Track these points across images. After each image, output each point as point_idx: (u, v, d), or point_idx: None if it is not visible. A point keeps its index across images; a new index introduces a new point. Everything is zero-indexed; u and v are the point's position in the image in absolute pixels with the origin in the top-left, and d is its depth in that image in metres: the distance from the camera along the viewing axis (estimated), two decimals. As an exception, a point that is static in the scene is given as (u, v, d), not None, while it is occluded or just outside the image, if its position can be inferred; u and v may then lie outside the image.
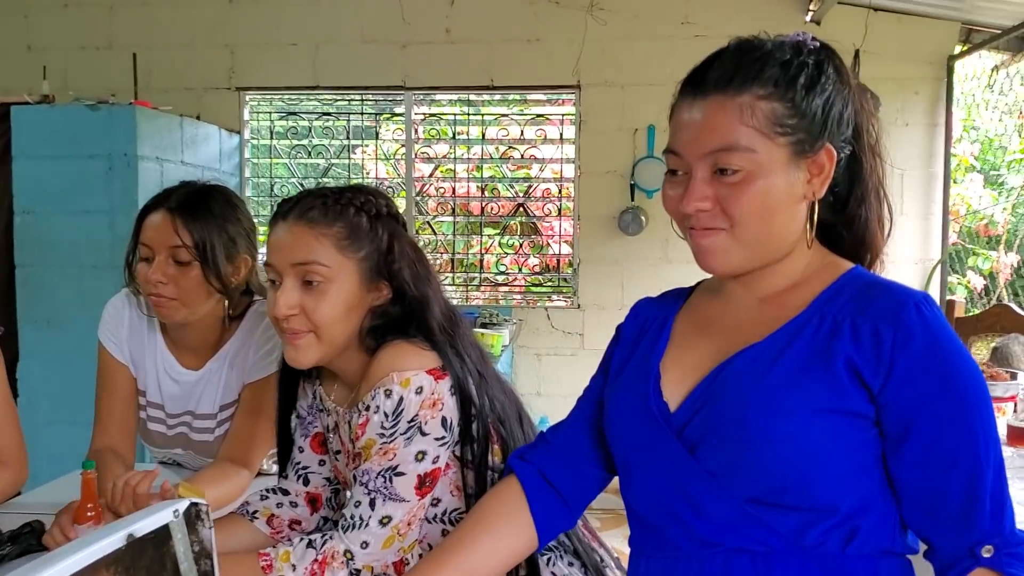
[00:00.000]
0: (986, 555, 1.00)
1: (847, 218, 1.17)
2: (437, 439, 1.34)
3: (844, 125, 1.11)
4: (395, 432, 1.32)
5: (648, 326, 1.26)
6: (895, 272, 4.38)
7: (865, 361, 1.02)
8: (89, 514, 1.48)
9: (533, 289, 5.04)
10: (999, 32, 4.29)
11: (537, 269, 5.12)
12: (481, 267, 5.08)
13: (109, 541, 0.85)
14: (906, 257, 4.55)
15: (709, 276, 1.25)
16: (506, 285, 5.06)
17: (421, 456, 1.33)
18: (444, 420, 1.35)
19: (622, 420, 1.19)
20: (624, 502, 1.21)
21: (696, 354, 1.16)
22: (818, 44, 1.13)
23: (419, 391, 1.33)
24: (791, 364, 1.05)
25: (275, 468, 1.72)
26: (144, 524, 0.89)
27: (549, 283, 5.03)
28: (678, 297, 1.29)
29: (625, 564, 1.28)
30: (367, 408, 1.35)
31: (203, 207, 1.80)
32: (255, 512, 1.55)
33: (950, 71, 4.51)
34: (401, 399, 1.32)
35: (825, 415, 1.02)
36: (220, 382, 1.89)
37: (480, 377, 1.42)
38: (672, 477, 1.10)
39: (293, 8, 4.83)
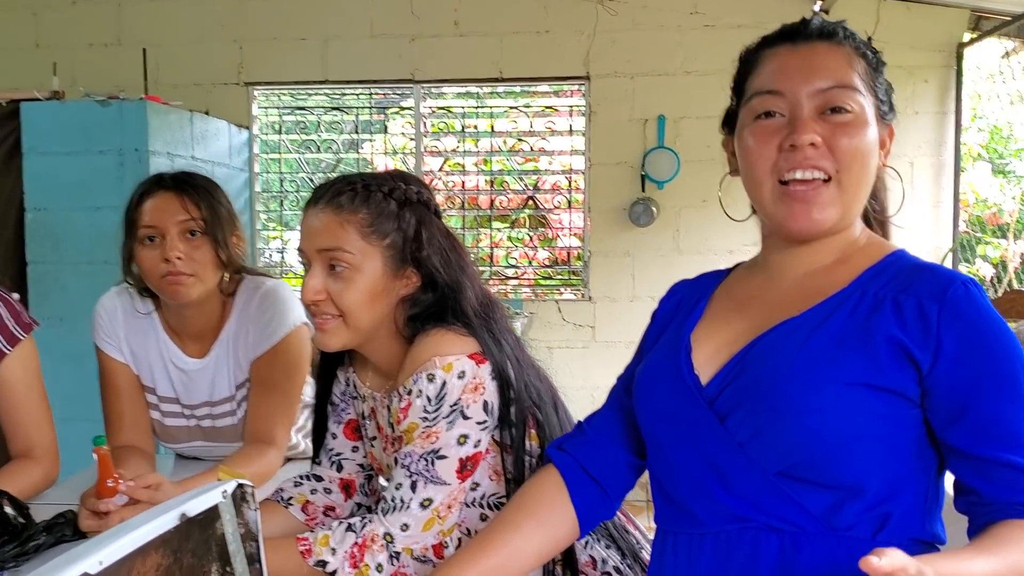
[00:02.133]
0: None
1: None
2: (479, 423, 1.35)
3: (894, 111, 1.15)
4: (438, 416, 1.33)
5: (683, 305, 1.26)
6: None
7: (911, 338, 1.01)
8: (111, 486, 1.49)
9: (543, 282, 5.04)
10: (1009, 19, 4.28)
11: (547, 262, 5.12)
12: (491, 261, 5.08)
13: (161, 521, 0.85)
14: (917, 245, 4.54)
15: (746, 260, 1.25)
16: (516, 279, 5.06)
17: (463, 440, 1.34)
18: (486, 404, 1.36)
19: (652, 391, 1.18)
20: (651, 478, 1.20)
21: (731, 329, 1.15)
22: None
23: (461, 375, 1.34)
24: (827, 337, 1.04)
25: (309, 449, 1.72)
26: (195, 504, 0.89)
27: (559, 276, 5.03)
28: (715, 277, 1.28)
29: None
30: (409, 392, 1.36)
31: (198, 184, 1.82)
32: (290, 499, 1.55)
33: (959, 59, 4.50)
34: (444, 383, 1.33)
35: (859, 389, 1.01)
36: (229, 363, 1.90)
37: (518, 362, 1.42)
38: (702, 449, 1.09)
39: (302, 3, 4.83)
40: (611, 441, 1.28)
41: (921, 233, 4.55)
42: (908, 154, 4.47)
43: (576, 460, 1.28)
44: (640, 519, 1.64)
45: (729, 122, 1.22)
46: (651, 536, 1.58)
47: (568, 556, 1.43)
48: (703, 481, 1.09)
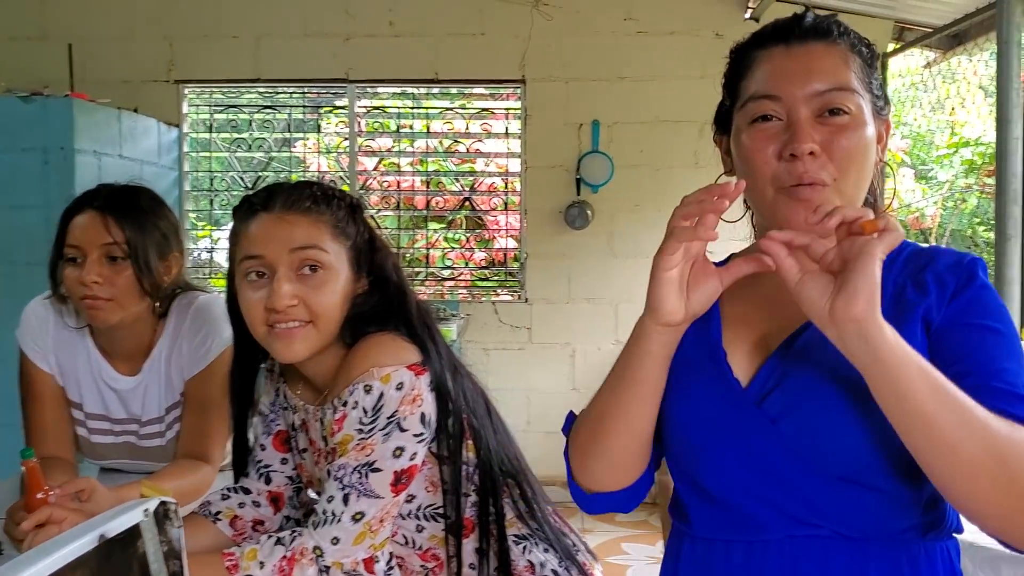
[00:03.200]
0: None
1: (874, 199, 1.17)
2: (415, 435, 1.33)
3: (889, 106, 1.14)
4: (374, 428, 1.31)
5: None
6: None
7: (935, 305, 1.03)
8: (41, 498, 1.45)
9: (479, 284, 5.04)
10: (930, 31, 4.41)
11: (483, 263, 5.12)
12: (427, 262, 5.07)
13: (80, 543, 0.83)
14: (844, 250, 4.66)
15: (739, 252, 1.21)
16: (452, 280, 5.05)
17: (399, 452, 1.32)
18: (423, 416, 1.34)
19: (694, 398, 1.11)
20: (685, 484, 1.14)
21: (756, 331, 1.12)
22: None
23: (399, 387, 1.32)
24: None
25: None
26: (115, 524, 0.87)
27: (496, 277, 5.04)
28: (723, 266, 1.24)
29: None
30: (344, 404, 1.33)
31: (132, 204, 1.76)
32: (217, 513, 1.52)
33: (884, 68, 4.62)
34: (381, 395, 1.31)
35: None
36: (160, 383, 1.85)
37: (455, 370, 1.42)
38: (757, 455, 1.05)
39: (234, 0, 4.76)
40: None
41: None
42: (835, 160, 4.58)
43: None
44: (572, 521, 1.65)
45: (720, 120, 1.20)
46: (584, 540, 1.61)
47: (504, 562, 1.43)
48: (763, 488, 1.05)
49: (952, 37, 4.41)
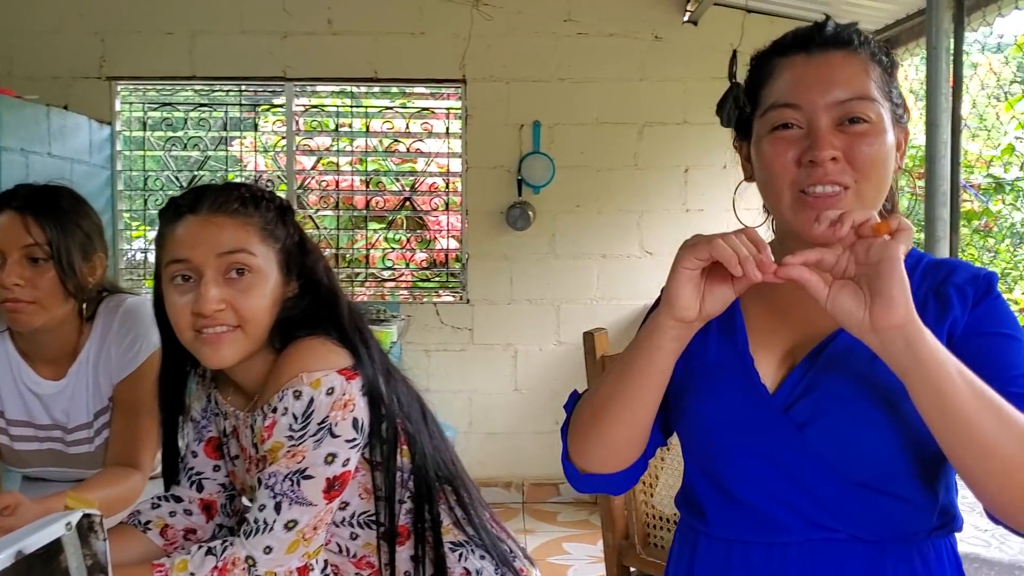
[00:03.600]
0: None
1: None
2: (348, 441, 1.31)
3: (908, 115, 1.16)
4: (304, 434, 1.29)
5: None
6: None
7: (951, 319, 1.07)
8: None
9: (420, 284, 5.01)
10: (864, 35, 4.49)
11: (424, 264, 5.09)
12: (367, 262, 5.02)
13: (-3, 560, 0.80)
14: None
15: None
16: (392, 280, 5.02)
17: (331, 459, 1.30)
18: (355, 421, 1.32)
19: (721, 402, 1.14)
20: (716, 487, 1.15)
21: (782, 339, 1.14)
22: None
23: (330, 392, 1.30)
24: None
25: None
26: (34, 540, 0.84)
27: (437, 278, 5.01)
28: None
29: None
30: (274, 410, 1.31)
31: (52, 204, 1.71)
32: (147, 522, 1.49)
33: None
34: (311, 400, 1.29)
35: None
36: (88, 388, 1.80)
37: (388, 374, 1.40)
38: (782, 460, 1.08)
39: (168, -6, 4.66)
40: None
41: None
42: (772, 162, 4.64)
43: None
44: (513, 522, 1.65)
45: (740, 127, 1.22)
46: (522, 546, 1.60)
47: (439, 570, 1.42)
48: (785, 493, 1.09)
49: (884, 42, 4.50)
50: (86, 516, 0.92)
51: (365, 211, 4.98)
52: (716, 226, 4.31)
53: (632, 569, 2.52)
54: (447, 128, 4.87)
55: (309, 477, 1.30)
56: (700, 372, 1.17)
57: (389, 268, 5.04)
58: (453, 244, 4.98)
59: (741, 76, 4.19)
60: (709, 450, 1.16)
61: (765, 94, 1.14)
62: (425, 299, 4.89)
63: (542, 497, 4.75)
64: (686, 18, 4.59)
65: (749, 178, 1.21)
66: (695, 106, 4.60)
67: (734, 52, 4.97)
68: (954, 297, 1.08)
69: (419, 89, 4.90)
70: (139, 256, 5.00)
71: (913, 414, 1.00)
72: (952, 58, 3.09)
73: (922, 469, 1.05)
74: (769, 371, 1.13)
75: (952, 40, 3.16)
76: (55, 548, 0.88)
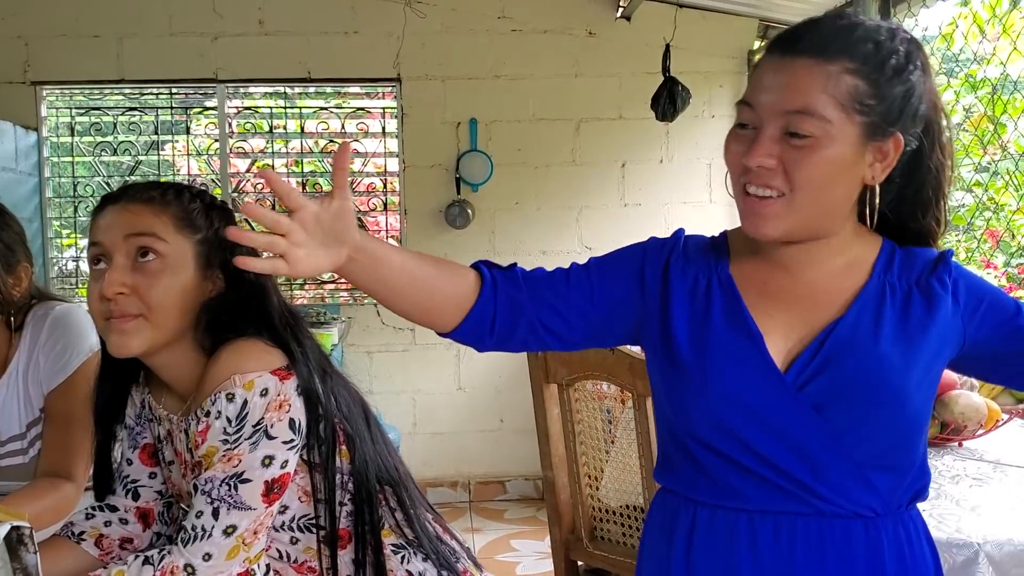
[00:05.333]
0: None
1: (901, 210, 1.21)
2: (285, 442, 1.30)
3: (918, 120, 1.15)
4: (239, 437, 1.27)
5: (698, 280, 1.22)
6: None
7: (953, 311, 1.17)
8: None
9: (360, 286, 4.96)
10: (793, 29, 4.57)
11: (363, 265, 5.04)
12: (305, 265, 4.95)
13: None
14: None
15: (734, 229, 1.26)
16: (332, 283, 4.97)
17: (268, 461, 1.28)
18: (292, 422, 1.30)
19: (734, 380, 1.16)
20: (716, 459, 1.18)
21: (782, 321, 1.18)
22: (909, 36, 1.15)
23: (264, 393, 1.28)
24: (891, 329, 1.14)
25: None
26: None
27: (376, 279, 4.96)
28: (716, 253, 1.25)
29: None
30: (207, 414, 1.28)
31: None
32: (81, 533, 1.45)
33: (751, 65, 4.77)
34: (245, 402, 1.27)
35: (925, 373, 1.15)
36: (19, 399, 1.76)
37: (324, 374, 1.38)
38: (792, 438, 1.14)
39: (93, -3, 4.55)
40: (533, 294, 1.22)
41: (722, 225, 4.78)
42: (707, 157, 4.70)
43: (497, 284, 1.20)
44: (460, 521, 1.64)
45: None
46: (467, 546, 1.60)
47: (381, 573, 1.41)
48: (793, 469, 1.14)
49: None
50: (15, 529, 0.89)
51: (302, 213, 4.91)
52: (654, 220, 4.37)
53: (580, 563, 2.54)
54: (383, 127, 4.84)
55: (247, 481, 1.28)
56: (707, 348, 1.18)
57: (329, 270, 4.98)
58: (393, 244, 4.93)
59: (674, 71, 4.27)
60: (719, 431, 1.17)
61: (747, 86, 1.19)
62: (366, 301, 4.85)
63: (489, 495, 4.76)
64: (619, 14, 4.62)
65: None
66: (630, 101, 4.63)
67: (667, 47, 5.02)
68: (937, 287, 1.17)
69: (354, 89, 4.86)
70: (71, 265, 4.88)
71: (913, 392, 1.13)
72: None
73: (914, 442, 1.16)
74: (777, 348, 1.17)
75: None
76: (-15, 562, 0.86)
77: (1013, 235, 4.82)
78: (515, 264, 1.25)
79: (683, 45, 4.43)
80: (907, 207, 1.21)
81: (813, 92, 1.08)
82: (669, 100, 4.26)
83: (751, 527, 1.17)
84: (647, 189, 4.74)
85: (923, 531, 1.22)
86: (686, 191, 4.72)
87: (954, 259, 1.21)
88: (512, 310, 1.20)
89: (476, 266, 1.22)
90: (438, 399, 4.76)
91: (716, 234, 1.29)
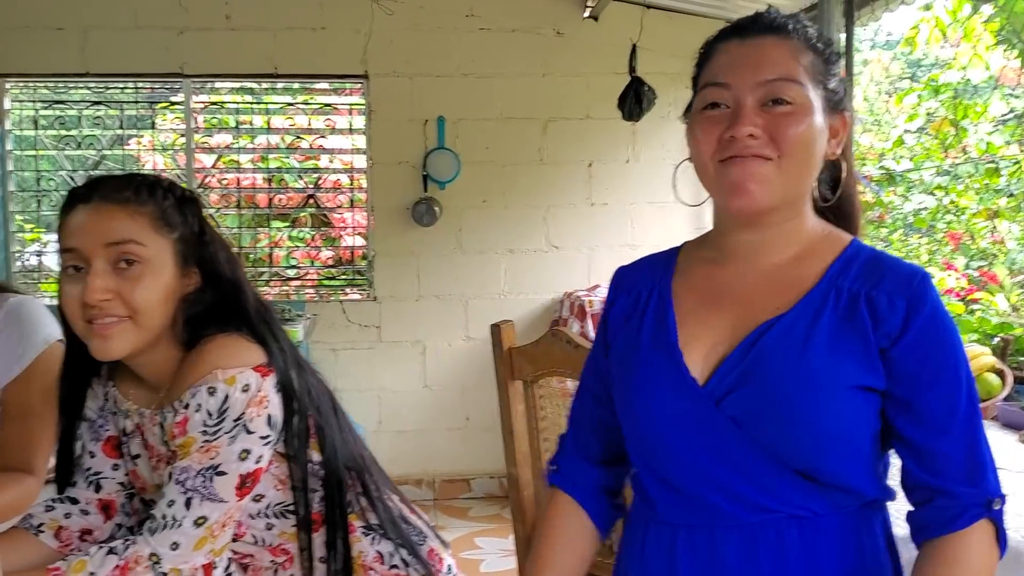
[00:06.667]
0: (996, 508, 1.09)
1: (843, 195, 1.22)
2: (262, 438, 1.32)
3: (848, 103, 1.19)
4: (219, 430, 1.29)
5: (640, 299, 1.25)
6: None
7: (887, 334, 1.09)
8: None
9: (326, 283, 4.96)
10: (758, 31, 4.62)
11: (330, 262, 5.04)
12: (270, 261, 4.95)
13: None
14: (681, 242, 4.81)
15: (691, 240, 1.28)
16: (298, 279, 4.95)
17: (245, 455, 1.30)
18: (269, 418, 1.33)
19: (652, 396, 1.18)
20: (649, 477, 1.21)
21: (712, 328, 1.17)
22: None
23: (245, 389, 1.30)
24: (823, 340, 1.10)
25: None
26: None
27: (343, 276, 4.97)
28: (663, 266, 1.27)
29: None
30: (186, 406, 1.30)
31: None
32: (40, 525, 1.45)
33: (715, 67, 4.81)
34: (227, 397, 1.29)
35: (856, 392, 1.10)
36: None
37: (299, 367, 1.40)
38: (717, 449, 1.12)
39: (56, -11, 4.50)
40: (604, 441, 1.33)
41: (687, 231, 4.82)
42: (672, 156, 4.73)
43: (580, 482, 1.32)
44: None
45: (688, 112, 1.25)
46: (431, 525, 1.62)
47: (351, 554, 1.43)
48: (723, 479, 1.13)
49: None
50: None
51: (268, 209, 4.91)
52: (620, 219, 4.41)
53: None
54: (350, 124, 4.83)
55: (222, 473, 1.29)
56: (631, 365, 1.21)
57: (294, 267, 4.98)
58: (359, 241, 4.94)
59: (641, 71, 4.32)
60: (645, 445, 1.21)
61: (702, 76, 1.20)
62: (332, 297, 4.84)
63: (454, 493, 4.77)
64: (587, 14, 4.65)
65: (691, 159, 1.25)
66: (597, 101, 4.66)
67: (633, 47, 5.05)
68: (882, 309, 1.10)
69: (321, 85, 4.85)
70: (33, 260, 4.82)
71: (840, 405, 1.08)
72: (843, 52, 3.22)
73: (854, 452, 1.12)
74: (699, 361, 1.16)
75: (844, 35, 3.28)
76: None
77: (973, 237, 4.91)
78: (562, 437, 1.38)
79: (649, 46, 4.46)
80: (847, 190, 1.24)
81: (788, 61, 1.13)
82: (635, 100, 4.29)
83: (689, 539, 1.17)
84: (613, 188, 4.77)
85: (884, 533, 1.19)
86: (652, 191, 4.75)
87: (932, 291, 1.12)
88: (603, 484, 1.34)
89: (553, 482, 1.35)
90: (404, 397, 4.76)
91: (674, 246, 1.32)
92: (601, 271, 4.73)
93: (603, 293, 4.51)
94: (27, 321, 1.72)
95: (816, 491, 1.12)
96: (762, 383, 1.11)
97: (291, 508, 1.42)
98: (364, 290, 4.85)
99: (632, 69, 4.34)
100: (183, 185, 1.45)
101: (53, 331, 1.71)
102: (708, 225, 1.27)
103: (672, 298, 1.22)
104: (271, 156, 4.91)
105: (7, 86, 4.58)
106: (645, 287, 1.26)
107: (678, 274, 1.25)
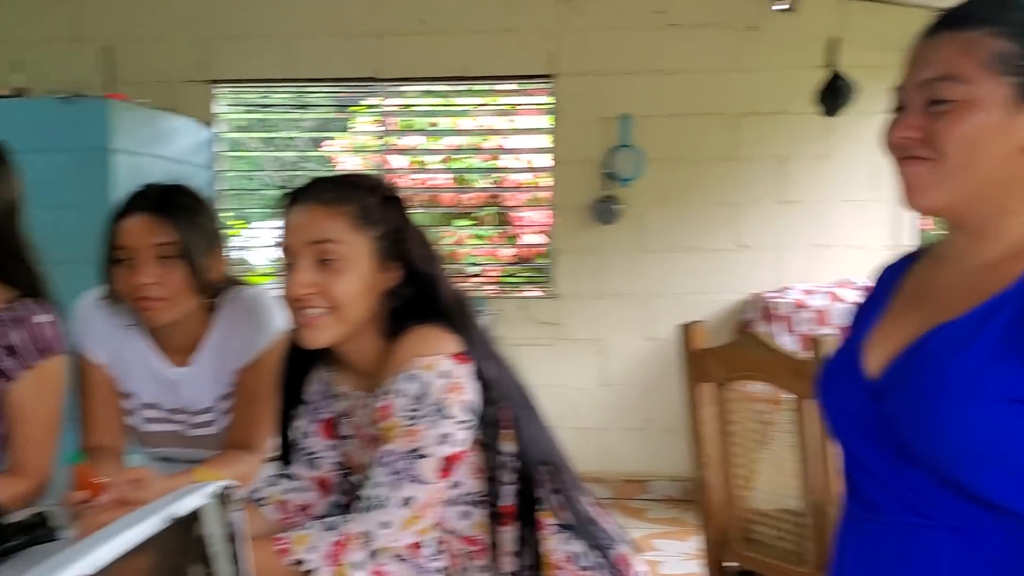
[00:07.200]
0: None
1: None
2: (460, 422, 1.36)
3: None
4: (419, 415, 1.34)
5: (876, 292, 1.26)
6: (865, 258, 4.42)
7: None
8: (97, 483, 1.47)
9: (506, 280, 5.04)
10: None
11: (512, 260, 5.12)
12: (454, 259, 5.07)
13: (149, 523, 0.84)
14: (876, 244, 4.57)
15: (936, 242, 1.23)
16: (479, 276, 5.06)
17: (444, 439, 1.35)
18: (467, 403, 1.37)
19: (831, 387, 1.21)
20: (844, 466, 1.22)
21: (904, 328, 1.14)
22: None
23: (443, 375, 1.35)
24: (986, 346, 1.03)
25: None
26: (182, 505, 0.89)
27: (523, 274, 5.03)
28: (906, 262, 1.26)
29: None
30: (388, 393, 1.37)
31: (177, 204, 1.80)
32: (263, 499, 1.55)
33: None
34: (425, 383, 1.35)
35: (1017, 404, 1.00)
36: (212, 374, 1.89)
37: (495, 359, 1.44)
38: (875, 443, 1.12)
39: (266, 1, 4.77)
40: None
41: (881, 231, 4.58)
42: (870, 153, 4.52)
43: None
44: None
45: None
46: (620, 530, 1.62)
47: (540, 552, 1.44)
48: (881, 473, 1.13)
49: None
50: (224, 487, 0.96)
51: (453, 208, 5.03)
52: (812, 217, 4.22)
53: (725, 564, 2.50)
54: (535, 123, 4.88)
55: (424, 456, 1.34)
56: (826, 365, 1.24)
57: (476, 264, 5.09)
58: (540, 239, 4.99)
59: (840, 64, 4.14)
60: (832, 430, 1.22)
61: None
62: (512, 294, 4.91)
63: (632, 494, 4.74)
64: (784, 6, 4.50)
65: None
66: (793, 96, 4.51)
67: (833, 40, 4.83)
68: None
69: (504, 86, 4.92)
70: (236, 254, 5.14)
71: (996, 412, 1.00)
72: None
73: (1015, 469, 1.02)
74: (879, 355, 1.14)
75: None
76: (198, 516, 0.92)
77: None
78: None
79: (849, 38, 4.28)
80: None
81: (951, 58, 1.06)
82: (835, 94, 4.14)
83: (857, 532, 1.18)
84: (808, 186, 4.61)
85: None
86: (848, 189, 4.56)
87: None
88: None
89: None
90: (582, 394, 4.76)
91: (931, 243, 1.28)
92: (790, 272, 4.59)
93: (793, 296, 4.37)
94: (264, 312, 1.85)
95: (972, 504, 1.05)
96: (911, 384, 1.08)
97: (486, 498, 1.46)
98: (544, 287, 4.89)
99: (831, 62, 4.18)
100: (385, 182, 1.51)
101: (282, 322, 1.82)
102: (907, 225, 1.23)
103: (891, 294, 1.22)
104: (457, 156, 5.03)
105: (215, 91, 4.90)
106: (885, 284, 1.26)
107: (909, 272, 1.23)
